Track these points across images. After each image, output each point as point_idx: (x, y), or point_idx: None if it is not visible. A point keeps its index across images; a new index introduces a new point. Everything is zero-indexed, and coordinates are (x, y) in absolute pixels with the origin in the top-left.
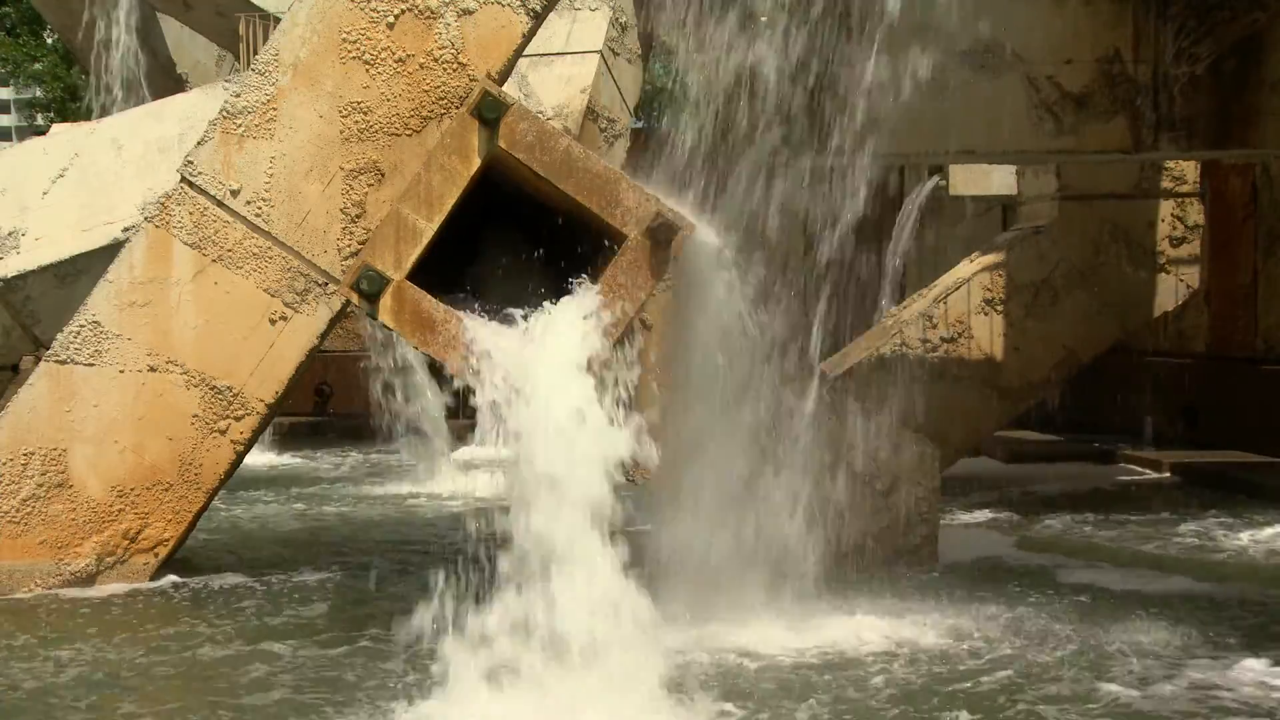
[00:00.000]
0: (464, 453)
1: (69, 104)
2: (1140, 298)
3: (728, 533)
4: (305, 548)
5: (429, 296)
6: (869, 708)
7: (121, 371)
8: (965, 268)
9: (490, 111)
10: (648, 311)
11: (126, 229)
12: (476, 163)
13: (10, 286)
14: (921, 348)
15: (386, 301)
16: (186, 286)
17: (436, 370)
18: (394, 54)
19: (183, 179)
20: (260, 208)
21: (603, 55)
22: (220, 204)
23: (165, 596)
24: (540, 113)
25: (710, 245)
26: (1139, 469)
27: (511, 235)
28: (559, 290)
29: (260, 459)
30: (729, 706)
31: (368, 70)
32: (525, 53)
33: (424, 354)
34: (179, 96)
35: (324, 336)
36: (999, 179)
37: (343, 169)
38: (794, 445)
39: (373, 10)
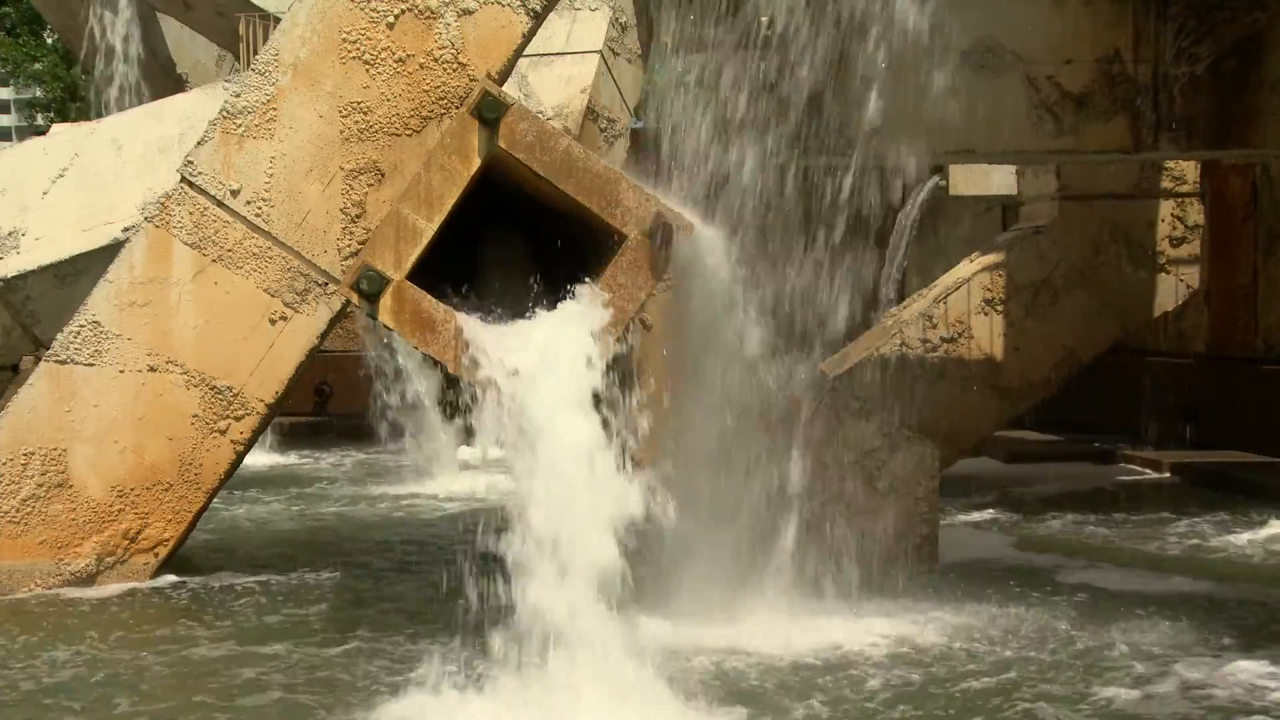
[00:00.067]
0: (464, 453)
1: (69, 104)
2: (1140, 298)
3: (728, 532)
4: (304, 548)
5: (429, 297)
6: (868, 708)
7: (121, 371)
8: (965, 268)
9: (490, 111)
10: (648, 311)
11: (126, 229)
12: (476, 163)
13: (10, 286)
14: (921, 348)
15: (386, 301)
16: (186, 286)
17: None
18: (394, 54)
19: (183, 179)
20: (260, 208)
21: (603, 55)
22: (220, 204)
23: (164, 596)
24: (540, 113)
25: (711, 244)
26: (1139, 469)
27: (511, 235)
28: (559, 289)
29: (260, 459)
30: (728, 707)
31: (368, 70)
32: (525, 53)
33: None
34: (179, 96)
35: (324, 336)
36: (999, 179)
37: (343, 169)
38: (794, 445)
39: (373, 10)
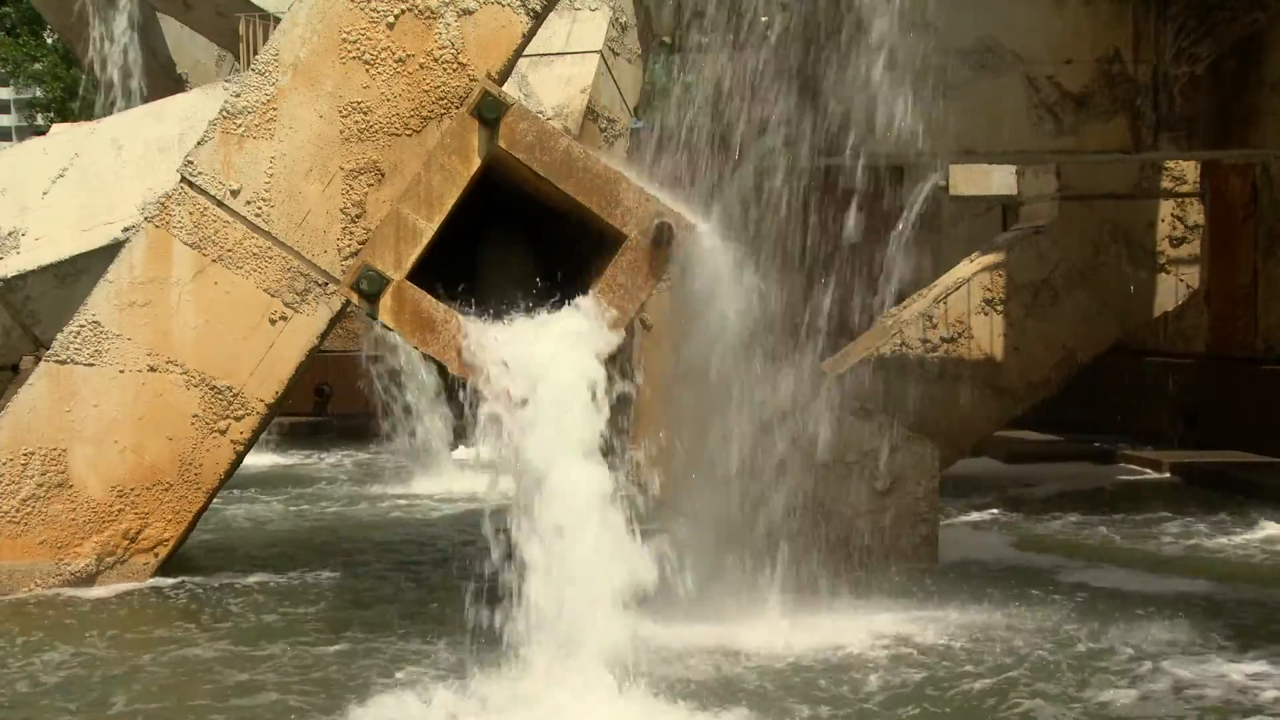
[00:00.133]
0: (463, 453)
1: (69, 104)
2: (1140, 298)
3: (728, 532)
4: (303, 548)
5: (429, 296)
6: (868, 708)
7: (121, 371)
8: (965, 268)
9: (490, 111)
10: (647, 311)
11: (126, 229)
12: (476, 163)
13: (10, 286)
14: (921, 348)
15: (386, 301)
16: (186, 286)
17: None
18: (394, 54)
19: (183, 179)
20: (260, 208)
21: (603, 55)
22: (220, 204)
23: (164, 596)
24: (540, 113)
25: (711, 244)
26: (1139, 469)
27: (511, 235)
28: (559, 289)
29: (260, 459)
30: (728, 708)
31: (368, 70)
32: (525, 53)
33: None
34: (179, 96)
35: (324, 336)
36: (999, 179)
37: (343, 169)
38: (795, 445)
39: (373, 10)
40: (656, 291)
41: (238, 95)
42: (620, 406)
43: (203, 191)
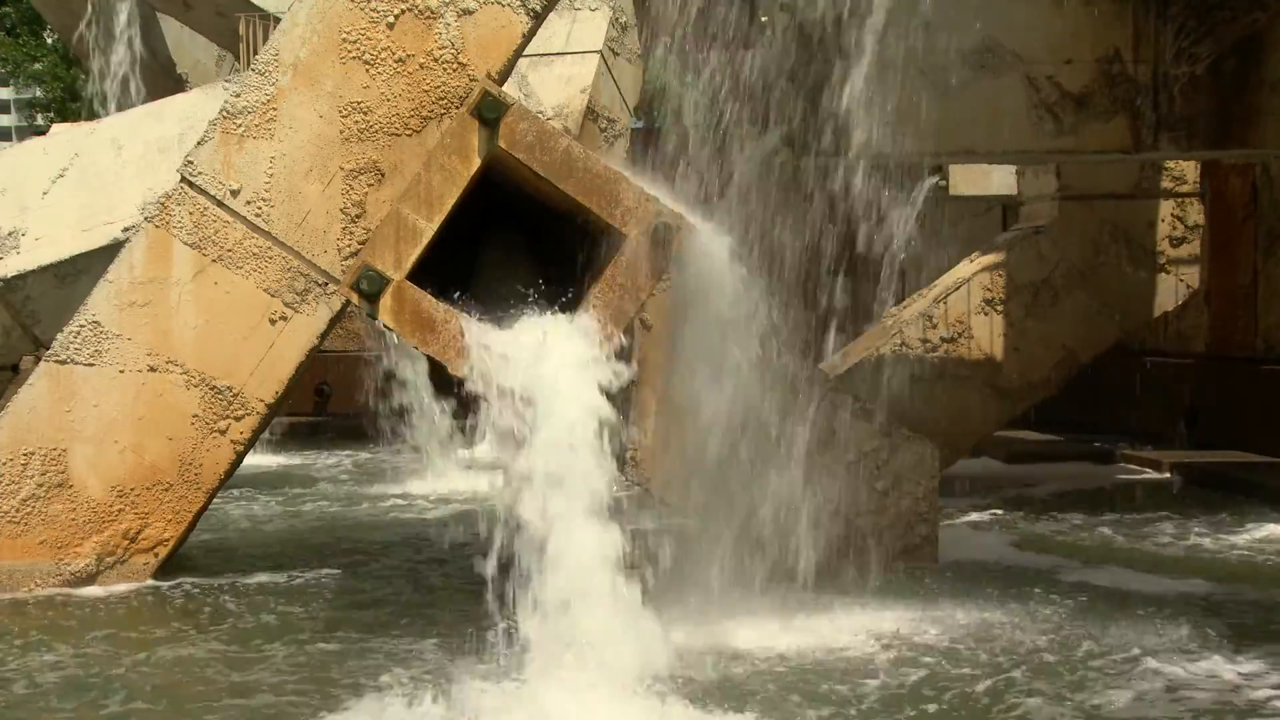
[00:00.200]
0: (463, 453)
1: (69, 104)
2: (1140, 298)
3: (728, 532)
4: (303, 548)
5: (429, 297)
6: (867, 709)
7: (121, 371)
8: (965, 268)
9: (490, 111)
10: (647, 311)
11: (126, 229)
12: (476, 163)
13: (10, 286)
14: (921, 348)
15: (386, 301)
16: (186, 286)
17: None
18: (394, 54)
19: (183, 179)
20: (260, 208)
21: (603, 55)
22: (220, 204)
23: (163, 596)
24: (540, 113)
25: (712, 244)
26: (1139, 469)
27: (511, 235)
28: (558, 288)
29: (260, 459)
30: (728, 708)
31: (368, 70)
32: (525, 53)
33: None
34: (179, 96)
35: (324, 336)
36: (999, 179)
37: (343, 169)
38: (794, 445)
39: (373, 10)
40: (656, 291)
41: (238, 95)
42: (621, 401)
43: (203, 191)
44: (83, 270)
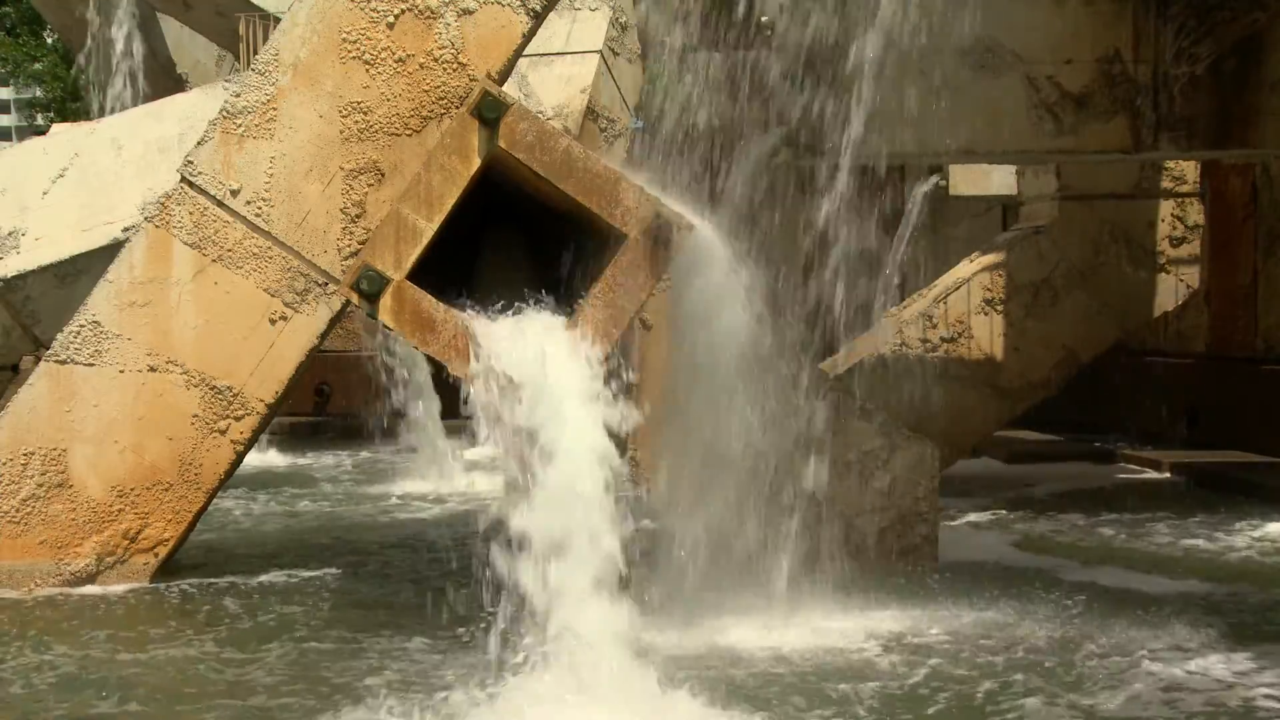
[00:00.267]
0: (461, 453)
1: (69, 104)
2: (1140, 298)
3: (727, 532)
4: (302, 548)
5: (429, 296)
6: (866, 709)
7: (121, 371)
8: (965, 268)
9: (490, 111)
10: (647, 311)
11: (126, 229)
12: (476, 163)
13: (10, 286)
14: (921, 348)
15: (386, 301)
16: (186, 286)
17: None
18: (394, 54)
19: (183, 179)
20: (260, 208)
21: (603, 55)
22: (220, 204)
23: (162, 596)
24: (540, 113)
25: (712, 244)
26: (1139, 469)
27: (512, 235)
28: (559, 289)
29: (259, 459)
30: (727, 709)
31: (368, 70)
32: (525, 53)
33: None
34: (179, 96)
35: (324, 336)
36: (999, 179)
37: (343, 169)
38: (794, 445)
39: (373, 10)
40: (656, 291)
41: (238, 95)
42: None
43: (203, 191)
44: (83, 270)
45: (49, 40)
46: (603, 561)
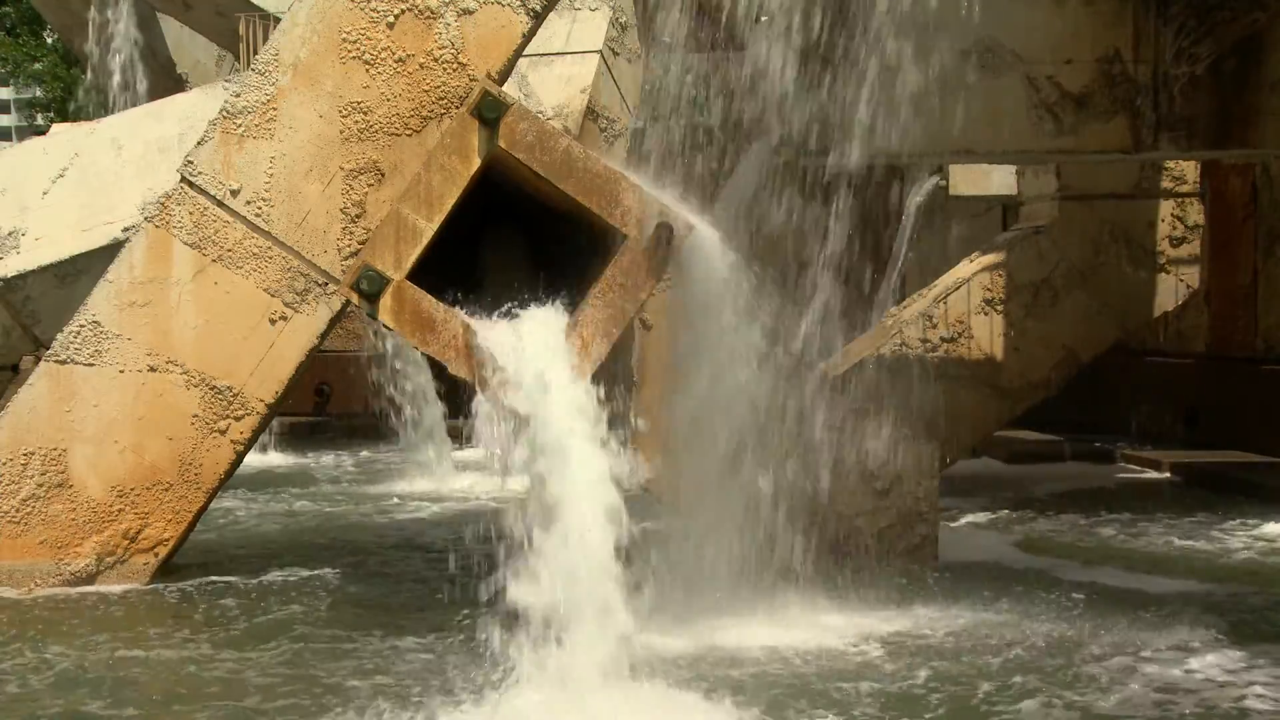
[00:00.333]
0: (462, 452)
1: (69, 104)
2: (1140, 298)
3: (727, 532)
4: (302, 548)
5: (429, 296)
6: (865, 709)
7: (121, 371)
8: (965, 268)
9: (490, 111)
10: (647, 311)
11: (126, 229)
12: (476, 163)
13: (10, 286)
14: (921, 348)
15: (386, 301)
16: (186, 286)
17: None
18: (394, 54)
19: (183, 179)
20: (260, 208)
21: (603, 55)
22: (220, 204)
23: (161, 596)
24: (540, 113)
25: (712, 243)
26: (1139, 469)
27: (512, 235)
28: (558, 289)
29: (260, 459)
30: (725, 707)
31: (368, 70)
32: (525, 53)
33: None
34: (179, 96)
35: (324, 336)
36: (999, 179)
37: (343, 169)
38: (794, 445)
39: (373, 10)
40: (656, 291)
41: (238, 95)
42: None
43: (203, 191)
44: (83, 270)
45: (49, 40)
46: (615, 644)
